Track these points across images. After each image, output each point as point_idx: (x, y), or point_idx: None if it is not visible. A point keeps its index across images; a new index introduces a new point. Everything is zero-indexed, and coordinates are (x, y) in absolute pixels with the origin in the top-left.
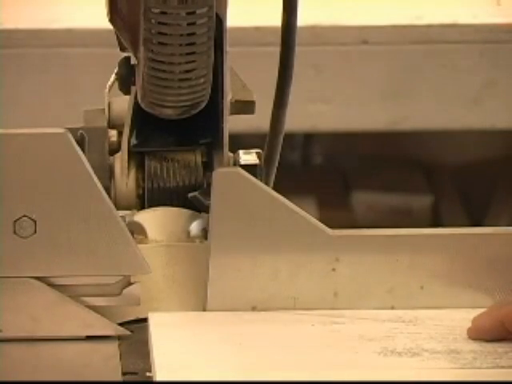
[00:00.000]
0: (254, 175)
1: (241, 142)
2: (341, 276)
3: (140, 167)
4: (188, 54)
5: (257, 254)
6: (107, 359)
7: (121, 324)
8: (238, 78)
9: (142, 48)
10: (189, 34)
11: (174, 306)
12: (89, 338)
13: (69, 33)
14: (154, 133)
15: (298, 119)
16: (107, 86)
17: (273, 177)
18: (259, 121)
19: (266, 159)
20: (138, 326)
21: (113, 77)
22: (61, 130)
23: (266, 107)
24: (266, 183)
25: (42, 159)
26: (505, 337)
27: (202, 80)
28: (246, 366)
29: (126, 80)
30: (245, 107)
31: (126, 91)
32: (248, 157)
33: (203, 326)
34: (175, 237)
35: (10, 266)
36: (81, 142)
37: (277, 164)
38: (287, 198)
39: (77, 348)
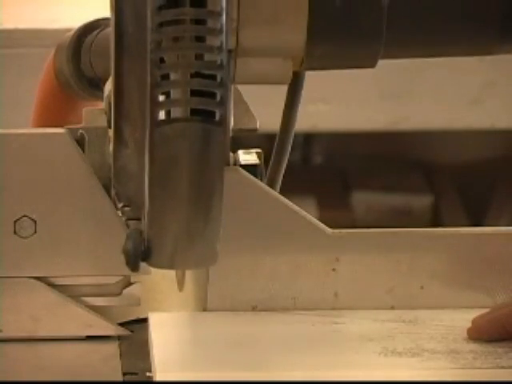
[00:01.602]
0: (254, 175)
1: (241, 142)
2: (341, 276)
3: None
4: None
5: (257, 254)
6: (107, 359)
7: (121, 324)
8: (241, 99)
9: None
10: None
11: (174, 306)
12: (89, 337)
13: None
14: None
15: (298, 119)
16: (107, 85)
17: (280, 179)
18: (259, 121)
19: (274, 162)
20: (137, 325)
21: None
22: (61, 130)
23: (266, 107)
24: (272, 185)
25: (42, 159)
26: (505, 337)
27: None
28: (246, 366)
29: (134, 256)
30: (247, 133)
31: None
32: (248, 157)
33: (203, 326)
34: None
35: (10, 265)
36: (81, 142)
37: (284, 166)
38: (287, 198)
39: (77, 348)
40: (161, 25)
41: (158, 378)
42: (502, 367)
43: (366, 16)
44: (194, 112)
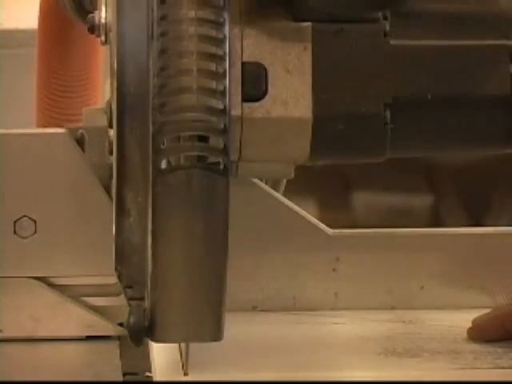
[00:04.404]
0: None
1: None
2: (341, 276)
3: None
4: None
5: (257, 254)
6: (107, 359)
7: (121, 324)
8: None
9: None
10: None
11: None
12: (89, 337)
13: None
14: None
15: None
16: (107, 86)
17: (284, 181)
18: None
19: None
20: None
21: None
22: (61, 130)
23: None
24: (276, 186)
25: (42, 159)
26: (505, 337)
27: None
28: (246, 366)
29: (137, 331)
30: None
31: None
32: None
33: None
34: None
35: (10, 265)
36: (81, 142)
37: None
38: (287, 198)
39: (77, 348)
40: (163, 69)
41: (157, 377)
42: (502, 367)
43: (369, 137)
44: (197, 160)
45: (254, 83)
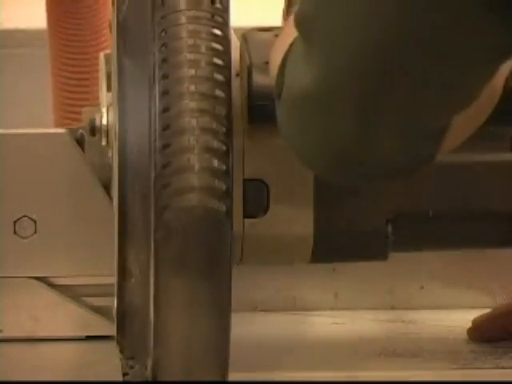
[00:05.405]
0: None
1: None
2: (341, 276)
3: None
4: None
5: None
6: (107, 359)
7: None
8: None
9: None
10: None
11: None
12: (89, 337)
13: None
14: None
15: None
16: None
17: None
18: None
19: None
20: None
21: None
22: (61, 130)
23: None
24: None
25: (42, 159)
26: (505, 337)
27: None
28: (246, 366)
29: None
30: None
31: None
32: None
33: None
34: None
35: (10, 265)
36: (81, 142)
37: None
38: None
39: (77, 348)
40: (164, 109)
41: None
42: (502, 367)
43: (370, 249)
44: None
45: (256, 201)
